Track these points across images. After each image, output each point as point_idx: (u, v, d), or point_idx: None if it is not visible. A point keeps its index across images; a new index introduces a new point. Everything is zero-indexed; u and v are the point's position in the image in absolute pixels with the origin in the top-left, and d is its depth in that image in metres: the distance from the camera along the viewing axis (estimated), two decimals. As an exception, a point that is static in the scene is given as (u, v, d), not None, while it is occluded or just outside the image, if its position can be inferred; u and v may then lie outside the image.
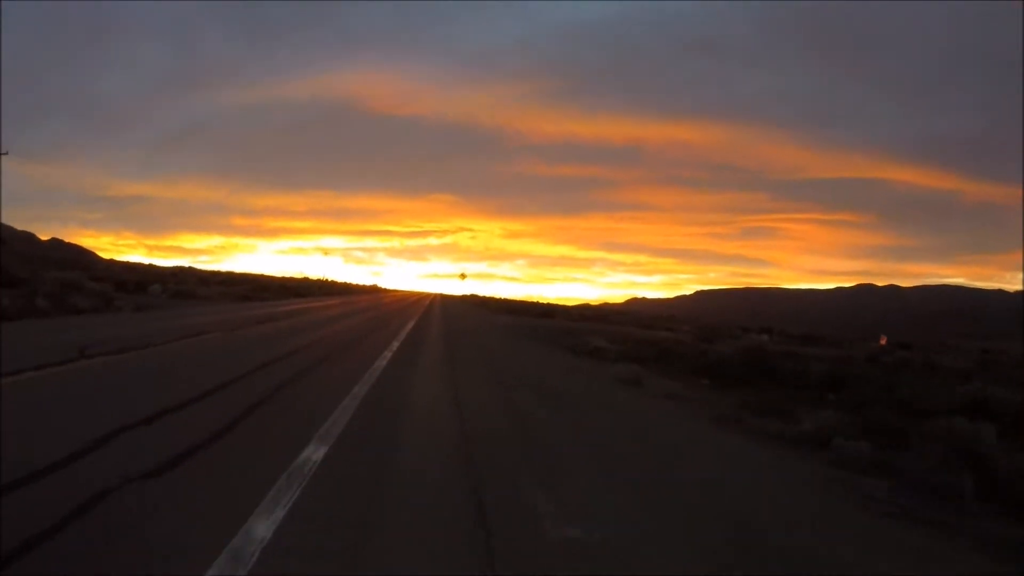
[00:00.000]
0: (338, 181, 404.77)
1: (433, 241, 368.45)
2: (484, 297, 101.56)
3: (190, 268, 79.77)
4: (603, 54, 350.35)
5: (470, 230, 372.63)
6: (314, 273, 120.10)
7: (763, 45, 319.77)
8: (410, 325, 21.22)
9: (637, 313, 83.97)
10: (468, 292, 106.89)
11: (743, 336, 47.08)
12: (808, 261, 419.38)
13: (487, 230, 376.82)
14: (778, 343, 39.96)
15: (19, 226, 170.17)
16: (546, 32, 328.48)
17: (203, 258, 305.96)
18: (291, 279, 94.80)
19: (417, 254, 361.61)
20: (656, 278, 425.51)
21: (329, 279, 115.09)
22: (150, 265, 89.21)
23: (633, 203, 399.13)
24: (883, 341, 40.26)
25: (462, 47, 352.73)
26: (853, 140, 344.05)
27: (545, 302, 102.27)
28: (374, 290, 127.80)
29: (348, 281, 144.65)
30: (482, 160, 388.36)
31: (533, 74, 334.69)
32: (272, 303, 31.56)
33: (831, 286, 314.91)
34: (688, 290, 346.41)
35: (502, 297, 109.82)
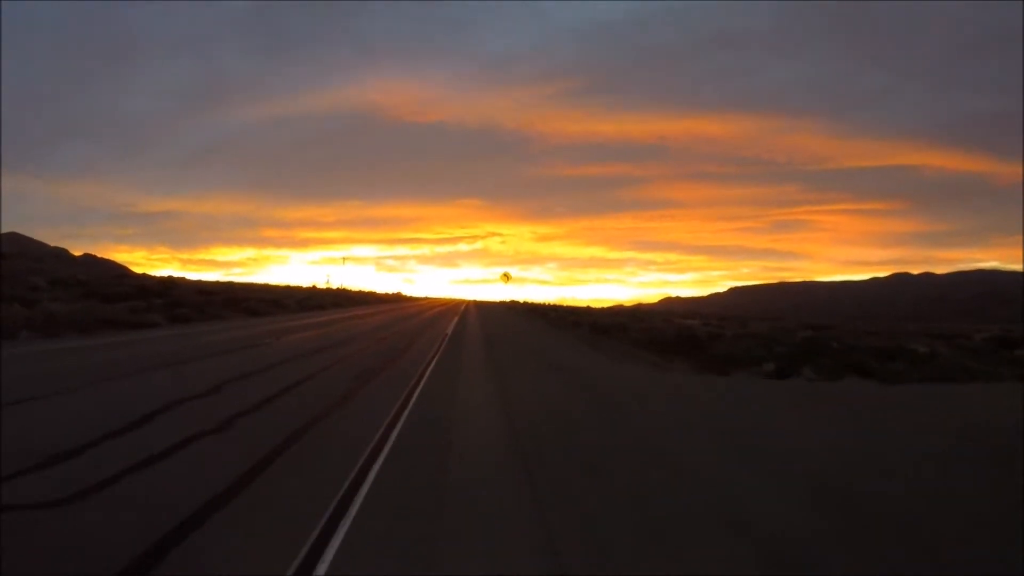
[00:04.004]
0: (365, 191, 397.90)
1: (463, 247, 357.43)
2: (530, 303, 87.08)
3: (181, 279, 71.53)
4: (622, 52, 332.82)
5: (499, 234, 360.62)
6: (338, 283, 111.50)
7: (782, 33, 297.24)
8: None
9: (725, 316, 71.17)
10: (508, 297, 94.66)
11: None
12: (841, 252, 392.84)
13: (516, 234, 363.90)
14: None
15: (52, 243, 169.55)
16: (563, 33, 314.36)
17: (236, 270, 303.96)
18: (296, 288, 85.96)
19: (448, 260, 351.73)
20: (688, 276, 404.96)
21: (344, 287, 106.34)
22: (144, 274, 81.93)
23: (661, 201, 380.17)
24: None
25: (480, 52, 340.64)
26: (880, 126, 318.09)
27: (584, 305, 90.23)
28: (396, 299, 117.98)
29: (371, 289, 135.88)
30: (508, 164, 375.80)
31: (553, 75, 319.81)
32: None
33: (865, 276, 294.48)
34: (721, 287, 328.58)
35: (549, 302, 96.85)
